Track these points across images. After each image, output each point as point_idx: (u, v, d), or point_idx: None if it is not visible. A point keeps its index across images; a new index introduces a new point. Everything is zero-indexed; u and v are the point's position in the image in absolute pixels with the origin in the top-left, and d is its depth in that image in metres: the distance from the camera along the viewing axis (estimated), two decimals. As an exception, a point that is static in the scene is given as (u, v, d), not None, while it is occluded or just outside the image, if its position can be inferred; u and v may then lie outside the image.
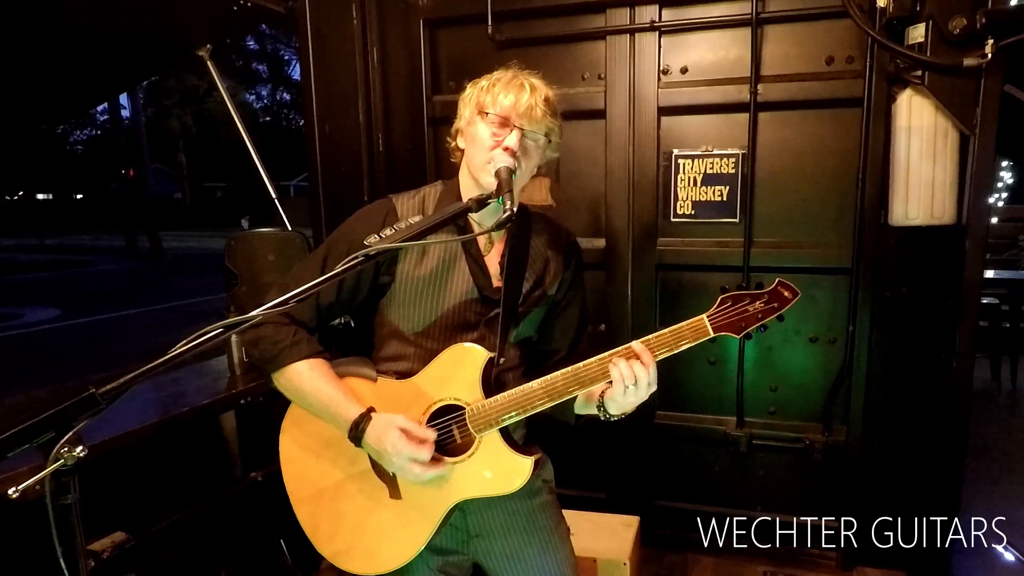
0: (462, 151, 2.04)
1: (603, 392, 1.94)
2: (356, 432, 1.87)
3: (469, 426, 1.92)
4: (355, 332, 2.20)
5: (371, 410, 1.90)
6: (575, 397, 1.96)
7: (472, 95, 1.98)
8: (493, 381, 1.97)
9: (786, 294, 1.91)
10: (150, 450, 2.99)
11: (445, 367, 1.97)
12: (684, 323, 1.90)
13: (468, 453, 1.94)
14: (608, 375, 1.86)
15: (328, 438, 2.02)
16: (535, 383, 1.90)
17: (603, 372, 1.87)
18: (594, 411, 2.00)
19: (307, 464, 2.07)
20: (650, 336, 1.89)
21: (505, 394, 1.91)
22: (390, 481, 1.97)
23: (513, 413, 1.90)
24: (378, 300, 2.07)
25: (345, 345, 2.17)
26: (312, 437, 2.06)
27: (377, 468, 1.98)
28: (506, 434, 1.96)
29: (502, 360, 2.00)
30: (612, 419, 1.98)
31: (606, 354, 1.89)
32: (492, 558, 2.14)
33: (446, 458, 1.93)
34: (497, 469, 1.95)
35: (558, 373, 1.90)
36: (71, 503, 1.31)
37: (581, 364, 1.90)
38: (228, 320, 1.44)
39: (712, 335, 1.90)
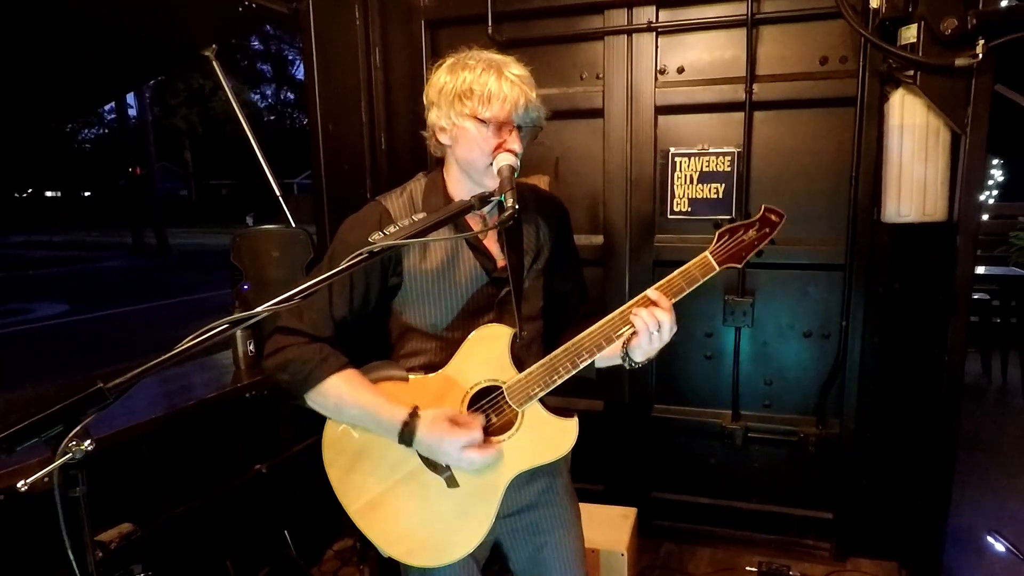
0: (444, 146, 1.99)
1: (627, 342, 1.97)
2: (407, 432, 1.87)
3: (510, 402, 1.95)
4: (362, 330, 2.21)
5: (416, 408, 1.90)
6: None
7: (452, 88, 1.87)
8: (517, 356, 1.99)
9: (773, 218, 2.08)
10: (157, 443, 3.04)
11: (473, 352, 1.98)
12: (690, 263, 1.98)
13: (515, 428, 1.97)
14: (630, 326, 1.92)
15: (363, 450, 2.03)
16: (564, 347, 1.95)
17: (625, 323, 1.93)
18: (618, 362, 2.04)
19: (354, 480, 2.05)
20: (662, 282, 1.96)
21: (538, 364, 1.95)
22: (444, 471, 1.98)
23: (552, 380, 1.94)
24: (389, 302, 2.07)
25: (353, 344, 2.19)
26: (347, 454, 2.05)
27: (429, 463, 1.98)
28: (544, 402, 2.00)
29: (524, 334, 2.01)
30: (636, 366, 2.03)
31: (625, 307, 1.94)
32: (514, 534, 2.18)
33: (496, 437, 1.96)
34: (545, 437, 2.00)
35: (583, 334, 1.94)
36: (79, 496, 1.31)
37: (604, 320, 1.95)
38: (234, 316, 1.44)
39: (718, 268, 2.00)
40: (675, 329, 1.93)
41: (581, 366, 1.96)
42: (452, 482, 1.99)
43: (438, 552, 2.03)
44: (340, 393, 1.92)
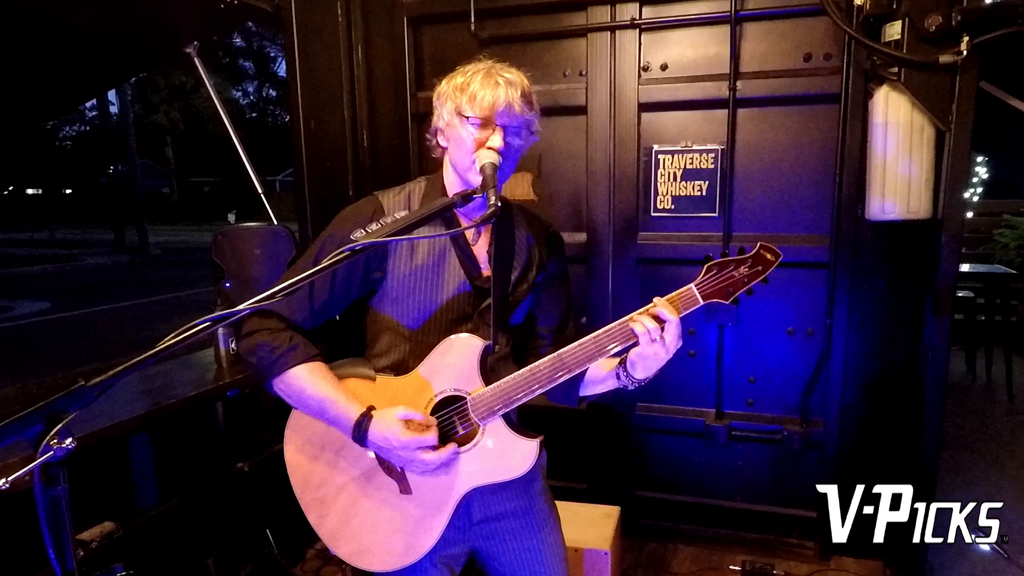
0: (443, 148, 2.03)
1: (624, 359, 1.95)
2: (360, 431, 1.87)
3: (472, 415, 1.93)
4: (341, 327, 2.19)
5: (371, 408, 1.89)
6: (579, 379, 2.02)
7: (447, 93, 1.94)
8: (490, 370, 1.97)
9: (769, 256, 1.95)
10: (139, 441, 3.02)
11: (442, 359, 1.96)
12: (674, 294, 1.91)
13: (474, 442, 1.94)
14: (603, 351, 1.88)
15: (330, 441, 2.02)
16: (534, 365, 1.91)
17: (600, 350, 1.88)
18: (613, 384, 2.02)
19: (313, 469, 2.06)
20: (641, 310, 1.90)
21: (505, 379, 1.91)
22: (398, 476, 1.97)
23: (516, 397, 1.90)
24: (370, 297, 2.07)
25: (332, 340, 2.18)
26: (314, 442, 2.05)
27: (384, 465, 1.98)
28: (508, 419, 1.97)
29: (497, 348, 2.00)
30: (637, 385, 1.99)
31: (605, 328, 1.89)
32: (491, 543, 2.15)
33: (453, 445, 1.93)
34: (504, 454, 1.95)
35: (552, 356, 1.90)
36: (60, 494, 1.31)
37: (586, 338, 1.90)
38: (216, 314, 1.43)
39: (702, 302, 1.92)
40: (679, 342, 1.89)
41: (549, 387, 1.92)
42: (405, 488, 1.98)
43: (383, 558, 2.02)
44: (302, 384, 1.93)
